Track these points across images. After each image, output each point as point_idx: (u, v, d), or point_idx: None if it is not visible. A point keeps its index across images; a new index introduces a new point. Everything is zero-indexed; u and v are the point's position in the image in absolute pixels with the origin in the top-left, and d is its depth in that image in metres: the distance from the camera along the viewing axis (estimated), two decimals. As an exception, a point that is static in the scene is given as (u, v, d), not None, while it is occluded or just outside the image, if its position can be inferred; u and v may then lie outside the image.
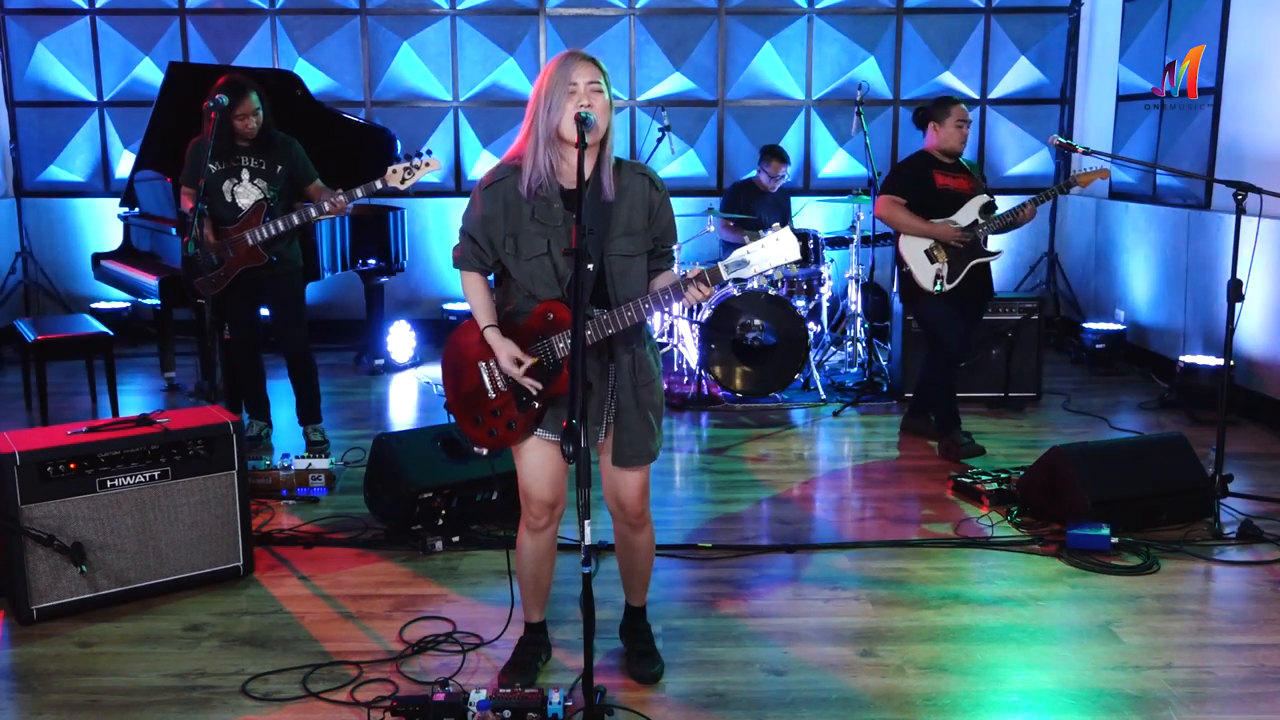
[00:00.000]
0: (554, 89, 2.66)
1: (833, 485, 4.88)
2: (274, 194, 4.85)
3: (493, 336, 2.79)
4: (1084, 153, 4.62)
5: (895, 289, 5.27)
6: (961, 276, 5.02)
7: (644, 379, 2.86)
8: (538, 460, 2.87)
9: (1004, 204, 5.28)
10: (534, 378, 2.76)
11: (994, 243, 5.16)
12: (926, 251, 5.03)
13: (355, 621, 3.45)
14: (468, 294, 2.86)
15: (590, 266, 2.67)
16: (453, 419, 2.95)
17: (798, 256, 2.65)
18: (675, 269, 3.24)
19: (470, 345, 2.88)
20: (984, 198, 5.10)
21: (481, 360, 2.85)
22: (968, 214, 5.05)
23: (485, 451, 2.92)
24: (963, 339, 5.16)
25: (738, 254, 2.66)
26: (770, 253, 2.62)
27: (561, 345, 2.75)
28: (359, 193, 4.60)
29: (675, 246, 2.95)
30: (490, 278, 2.90)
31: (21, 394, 6.00)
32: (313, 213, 4.71)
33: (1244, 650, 3.25)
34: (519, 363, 2.74)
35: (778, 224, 2.34)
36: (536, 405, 2.80)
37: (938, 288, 5.00)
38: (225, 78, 4.70)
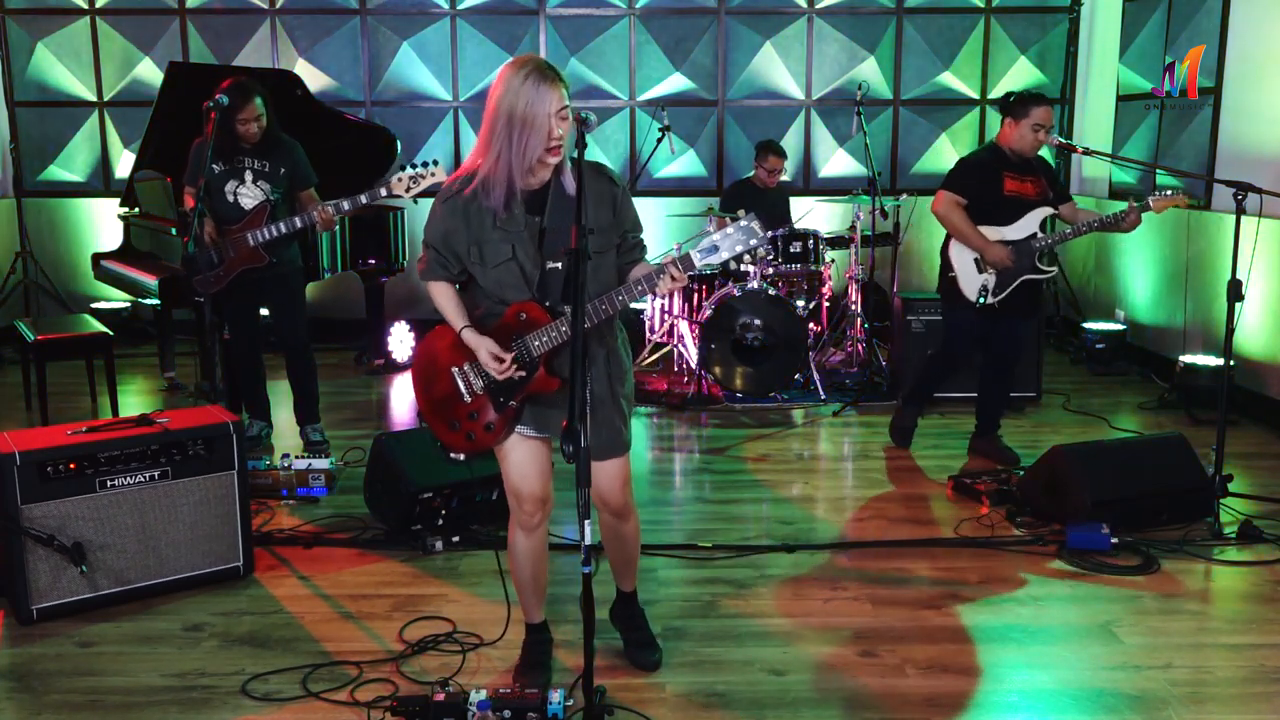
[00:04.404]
0: (527, 118, 2.59)
1: (833, 485, 4.89)
2: (278, 196, 4.86)
3: (470, 336, 2.79)
4: (1084, 153, 4.61)
5: (938, 287, 4.98)
6: (1008, 291, 4.74)
7: (618, 372, 2.90)
8: (524, 457, 2.88)
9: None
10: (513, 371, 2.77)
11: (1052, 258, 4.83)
12: (976, 260, 4.75)
13: (355, 621, 3.45)
14: (438, 302, 2.86)
15: (559, 265, 2.70)
16: (425, 426, 2.94)
17: (762, 237, 2.65)
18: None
19: (442, 351, 2.88)
20: (1045, 209, 4.76)
21: (454, 365, 2.85)
22: (1025, 226, 4.73)
23: (462, 456, 2.93)
24: (974, 347, 4.92)
25: (706, 241, 2.68)
26: (737, 238, 2.65)
27: (536, 344, 2.75)
28: (345, 205, 4.62)
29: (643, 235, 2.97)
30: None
31: (21, 394, 6.00)
32: (306, 219, 4.72)
33: (1244, 650, 3.25)
34: (499, 359, 2.74)
35: (743, 210, 2.40)
36: (513, 405, 2.81)
37: (980, 300, 4.73)
38: (230, 80, 4.71)
